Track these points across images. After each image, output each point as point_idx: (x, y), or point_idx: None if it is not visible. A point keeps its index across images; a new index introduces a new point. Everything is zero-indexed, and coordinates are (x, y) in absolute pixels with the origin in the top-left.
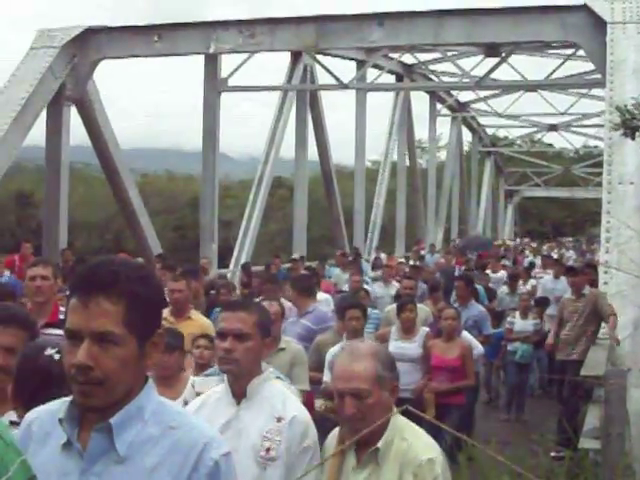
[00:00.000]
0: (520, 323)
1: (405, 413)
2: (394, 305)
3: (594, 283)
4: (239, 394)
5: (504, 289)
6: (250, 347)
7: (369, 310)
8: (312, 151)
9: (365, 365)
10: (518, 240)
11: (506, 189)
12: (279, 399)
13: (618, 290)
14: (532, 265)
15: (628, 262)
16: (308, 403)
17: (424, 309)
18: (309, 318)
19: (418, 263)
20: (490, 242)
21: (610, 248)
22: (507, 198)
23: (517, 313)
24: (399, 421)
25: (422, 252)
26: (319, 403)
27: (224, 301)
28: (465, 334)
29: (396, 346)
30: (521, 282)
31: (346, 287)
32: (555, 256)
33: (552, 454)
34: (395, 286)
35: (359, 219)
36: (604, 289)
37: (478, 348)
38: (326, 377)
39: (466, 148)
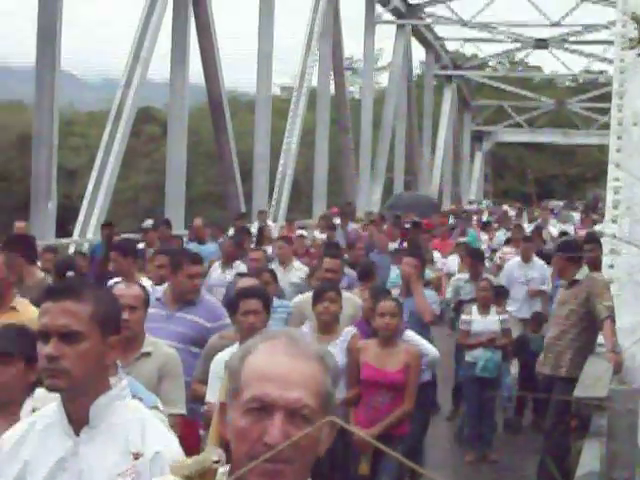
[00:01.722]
0: (479, 321)
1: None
2: (308, 294)
3: (597, 264)
4: (78, 420)
5: (460, 276)
6: (85, 351)
7: (275, 300)
8: (195, 71)
9: (313, 370)
10: (486, 203)
11: (474, 130)
12: (136, 427)
13: (629, 274)
14: (487, 223)
15: None
16: (185, 433)
17: (352, 300)
18: (197, 312)
19: (325, 236)
20: (434, 204)
21: (619, 215)
22: (475, 143)
23: (474, 307)
24: None
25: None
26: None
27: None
28: (410, 334)
29: None
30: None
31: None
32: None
33: None
34: (299, 269)
35: (261, 169)
36: (609, 274)
37: (430, 352)
38: (210, 396)
39: (417, 71)
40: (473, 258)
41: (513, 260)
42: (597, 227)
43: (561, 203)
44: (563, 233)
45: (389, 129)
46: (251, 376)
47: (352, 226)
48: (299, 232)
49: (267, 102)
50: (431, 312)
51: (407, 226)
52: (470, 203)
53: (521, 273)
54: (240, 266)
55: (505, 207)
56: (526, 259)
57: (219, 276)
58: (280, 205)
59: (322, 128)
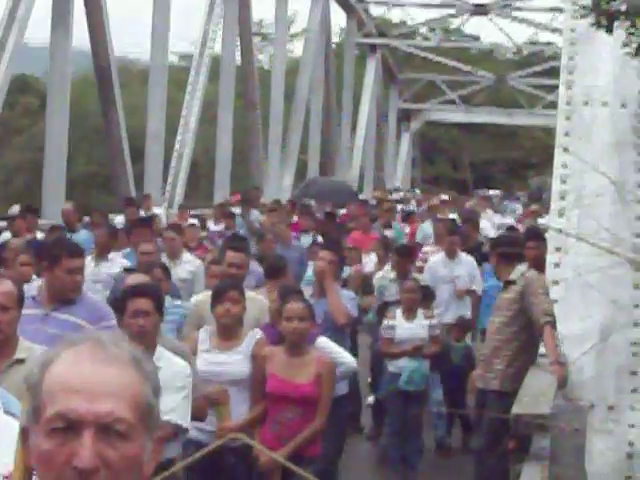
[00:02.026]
0: (404, 327)
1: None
2: (208, 293)
3: (540, 264)
4: None
5: (383, 274)
6: None
7: (167, 300)
8: (80, 35)
9: (127, 378)
10: (412, 192)
11: (401, 107)
12: (6, 447)
13: (577, 275)
14: (411, 214)
15: (596, 230)
16: None
17: (257, 300)
18: (77, 311)
19: (221, 227)
20: (352, 192)
21: (567, 207)
22: (402, 122)
23: (398, 311)
24: None
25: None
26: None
27: None
28: (323, 341)
29: (209, 360)
30: None
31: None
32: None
33: None
34: (189, 261)
35: (155, 148)
36: (554, 274)
37: (346, 361)
38: None
39: (336, 39)
40: (400, 255)
41: (437, 256)
42: (541, 220)
43: (499, 192)
44: (501, 227)
45: (303, 104)
46: (53, 390)
47: (255, 214)
48: (191, 221)
49: (162, 71)
50: (345, 313)
51: (318, 216)
52: (395, 191)
53: (446, 271)
54: (116, 259)
55: (441, 197)
56: (451, 255)
57: (92, 271)
58: (176, 190)
59: (226, 102)
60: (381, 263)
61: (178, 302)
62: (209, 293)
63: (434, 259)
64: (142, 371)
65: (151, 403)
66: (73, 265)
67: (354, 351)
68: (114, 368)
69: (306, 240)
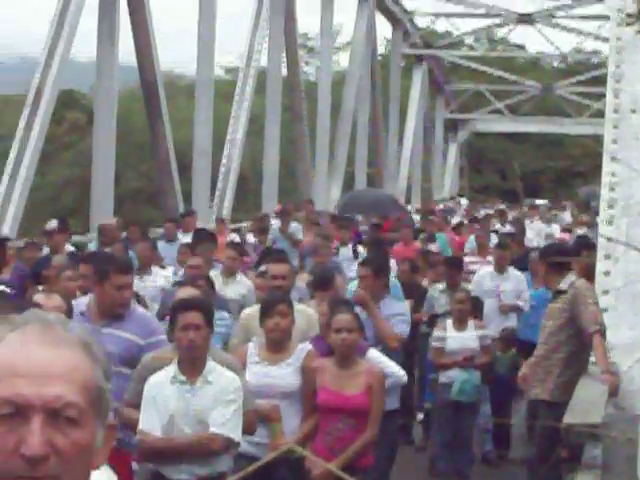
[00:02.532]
0: (455, 337)
1: None
2: (255, 307)
3: (590, 273)
4: None
5: (435, 286)
6: None
7: (217, 313)
8: (126, 49)
9: (77, 360)
10: (461, 201)
11: (447, 118)
12: None
13: (626, 283)
14: (460, 225)
15: None
16: (115, 465)
17: (305, 312)
18: (127, 327)
19: (253, 240)
20: (393, 202)
21: (616, 215)
22: (449, 132)
23: (448, 322)
24: None
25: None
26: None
27: None
28: (374, 353)
29: (259, 373)
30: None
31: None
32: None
33: None
34: (245, 284)
35: (202, 162)
36: (604, 282)
37: (395, 373)
38: (144, 424)
39: (382, 49)
40: (449, 266)
41: (484, 270)
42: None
43: (547, 202)
44: (548, 237)
45: (350, 116)
46: None
47: (294, 227)
48: (232, 236)
49: (209, 85)
50: (394, 337)
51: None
52: (444, 200)
53: (493, 285)
54: (159, 272)
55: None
56: (500, 269)
57: (137, 285)
58: (224, 204)
59: (272, 115)
60: (420, 275)
61: (224, 314)
62: (257, 306)
63: (481, 272)
64: (92, 354)
65: (102, 387)
66: (122, 281)
67: (409, 365)
68: (63, 350)
69: (345, 252)
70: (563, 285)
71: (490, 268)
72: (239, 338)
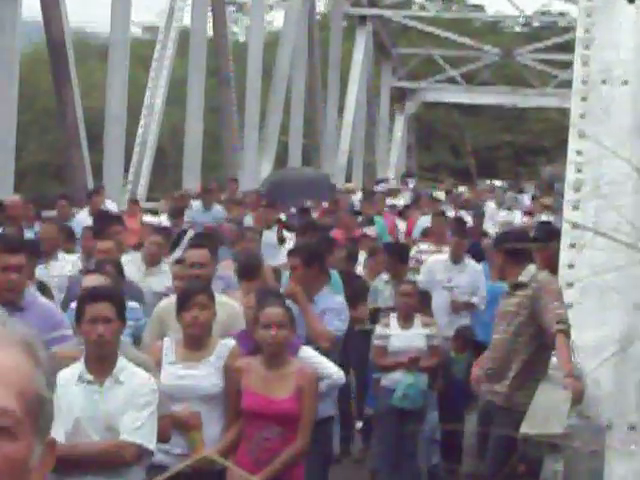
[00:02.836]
0: (399, 335)
1: None
2: (172, 298)
3: (553, 264)
4: None
5: (382, 276)
6: None
7: (133, 305)
8: (30, 4)
9: (14, 362)
10: (408, 181)
11: (395, 86)
12: None
13: (594, 275)
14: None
15: (616, 223)
16: None
17: (228, 304)
18: (25, 318)
19: (167, 222)
20: (327, 183)
21: (583, 198)
22: (396, 103)
23: (392, 318)
24: None
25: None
26: None
27: None
28: (307, 351)
29: (175, 373)
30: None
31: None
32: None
33: None
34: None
35: (115, 134)
36: (568, 275)
37: (333, 374)
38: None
39: (322, 8)
40: (392, 254)
41: (437, 258)
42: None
43: (503, 183)
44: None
45: (284, 82)
46: None
47: (217, 210)
48: (146, 219)
49: (124, 46)
50: (327, 337)
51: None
52: (380, 182)
53: (445, 277)
54: (67, 258)
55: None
56: (456, 259)
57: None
58: (139, 180)
59: (196, 80)
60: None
61: (134, 305)
62: (173, 298)
63: (433, 260)
64: (34, 356)
65: (43, 395)
66: (4, 261)
67: (346, 366)
68: (5, 348)
69: (269, 237)
70: (522, 277)
71: (444, 257)
72: (152, 333)
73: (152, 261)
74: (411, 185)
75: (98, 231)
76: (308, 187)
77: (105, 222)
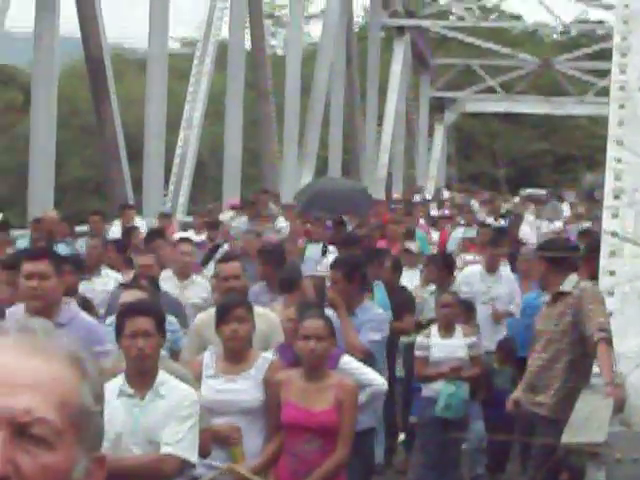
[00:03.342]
0: (440, 345)
1: None
2: (210, 311)
3: (595, 273)
4: None
5: (429, 288)
6: None
7: (169, 318)
8: (69, 20)
9: (57, 372)
10: (447, 193)
11: (433, 97)
12: None
13: (633, 284)
14: (441, 218)
15: None
16: None
17: (267, 317)
18: (67, 334)
19: (203, 237)
20: (365, 196)
21: (622, 208)
22: (435, 113)
23: (433, 329)
24: None
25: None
26: None
27: None
28: (347, 361)
29: (215, 387)
30: None
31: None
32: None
33: None
34: (205, 286)
35: (155, 148)
36: (607, 282)
37: (374, 382)
38: None
39: (359, 19)
40: (438, 265)
41: (473, 268)
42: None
43: (543, 192)
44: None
45: (322, 95)
46: None
47: (241, 220)
48: (180, 234)
49: (162, 59)
50: (359, 347)
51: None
52: (417, 192)
53: (483, 287)
54: (111, 274)
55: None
56: (491, 268)
57: (83, 287)
58: (179, 194)
59: (234, 93)
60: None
61: (171, 318)
62: (211, 311)
63: (470, 271)
64: (80, 369)
65: (88, 407)
66: (29, 269)
67: (391, 378)
68: (41, 359)
69: (314, 251)
70: (565, 287)
71: (478, 267)
72: (191, 347)
73: (185, 272)
74: (446, 196)
75: (122, 246)
76: (345, 199)
77: (148, 237)
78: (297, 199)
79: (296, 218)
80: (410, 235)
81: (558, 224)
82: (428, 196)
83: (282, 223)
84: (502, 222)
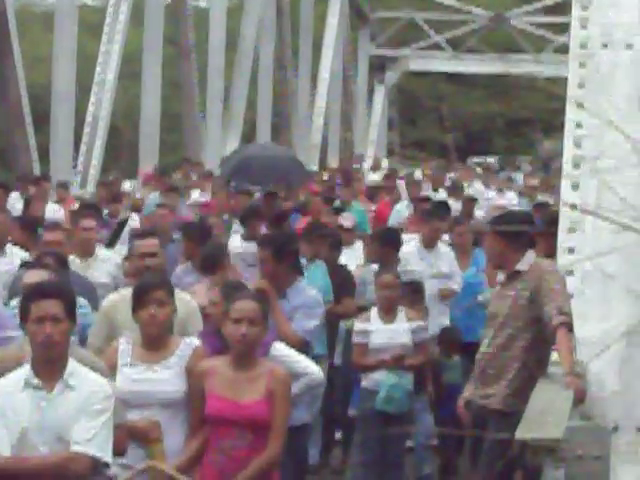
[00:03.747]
0: (381, 331)
1: None
2: (122, 292)
3: (553, 251)
4: None
5: (372, 266)
6: None
7: (79, 300)
8: None
9: None
10: (387, 161)
11: (374, 54)
12: None
13: (595, 261)
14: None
15: (618, 205)
16: None
17: (184, 300)
18: None
19: (106, 211)
20: (298, 164)
21: (582, 177)
22: (375, 72)
23: (373, 313)
24: None
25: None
26: None
27: None
28: (280, 348)
29: (132, 377)
30: None
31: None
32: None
33: None
34: (112, 261)
35: (63, 112)
36: (567, 261)
37: (309, 372)
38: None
39: None
40: (382, 242)
41: (409, 245)
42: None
43: (494, 160)
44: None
45: (250, 51)
46: None
47: (153, 196)
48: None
49: (71, 13)
50: (294, 338)
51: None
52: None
53: (424, 265)
54: (17, 253)
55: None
56: (429, 243)
57: None
58: (90, 163)
59: (152, 51)
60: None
61: (81, 300)
62: (123, 292)
63: (407, 249)
64: None
65: None
66: None
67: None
68: None
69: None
70: (521, 266)
71: (415, 244)
72: (99, 333)
73: (87, 250)
74: (384, 165)
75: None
76: (276, 169)
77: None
78: (221, 168)
79: (220, 190)
80: (341, 210)
81: (510, 195)
82: (366, 165)
83: (201, 196)
84: (443, 194)
